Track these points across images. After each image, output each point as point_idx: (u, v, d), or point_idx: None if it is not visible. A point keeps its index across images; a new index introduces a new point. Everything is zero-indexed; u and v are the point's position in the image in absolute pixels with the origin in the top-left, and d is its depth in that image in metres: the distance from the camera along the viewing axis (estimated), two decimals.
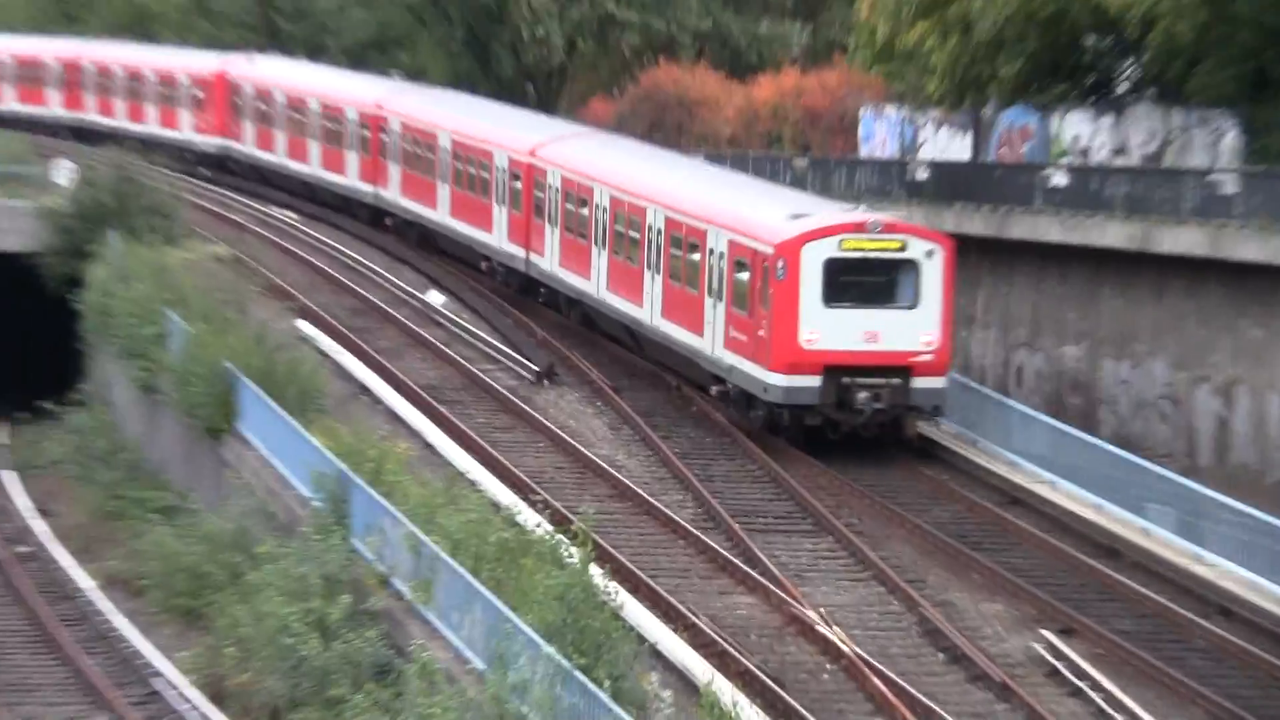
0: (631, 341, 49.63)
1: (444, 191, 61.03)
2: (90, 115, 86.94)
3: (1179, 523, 35.33)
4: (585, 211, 50.52)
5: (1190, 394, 45.10)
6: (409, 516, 32.30)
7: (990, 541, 37.01)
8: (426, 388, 45.11)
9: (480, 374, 46.59)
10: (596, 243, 49.75)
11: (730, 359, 43.23)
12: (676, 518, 37.50)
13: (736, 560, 35.29)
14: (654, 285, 46.71)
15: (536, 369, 46.73)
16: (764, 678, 29.57)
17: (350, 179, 67.92)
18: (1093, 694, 30.13)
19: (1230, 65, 49.20)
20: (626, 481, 39.52)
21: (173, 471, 46.02)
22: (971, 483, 41.62)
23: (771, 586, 33.93)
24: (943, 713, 28.86)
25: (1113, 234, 46.54)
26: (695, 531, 36.79)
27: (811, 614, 32.48)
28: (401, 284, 54.72)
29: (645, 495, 38.70)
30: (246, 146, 75.93)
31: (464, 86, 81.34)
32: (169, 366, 44.87)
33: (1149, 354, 46.55)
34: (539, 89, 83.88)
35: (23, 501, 48.46)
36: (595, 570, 29.97)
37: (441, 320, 51.42)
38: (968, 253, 52.85)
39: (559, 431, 42.51)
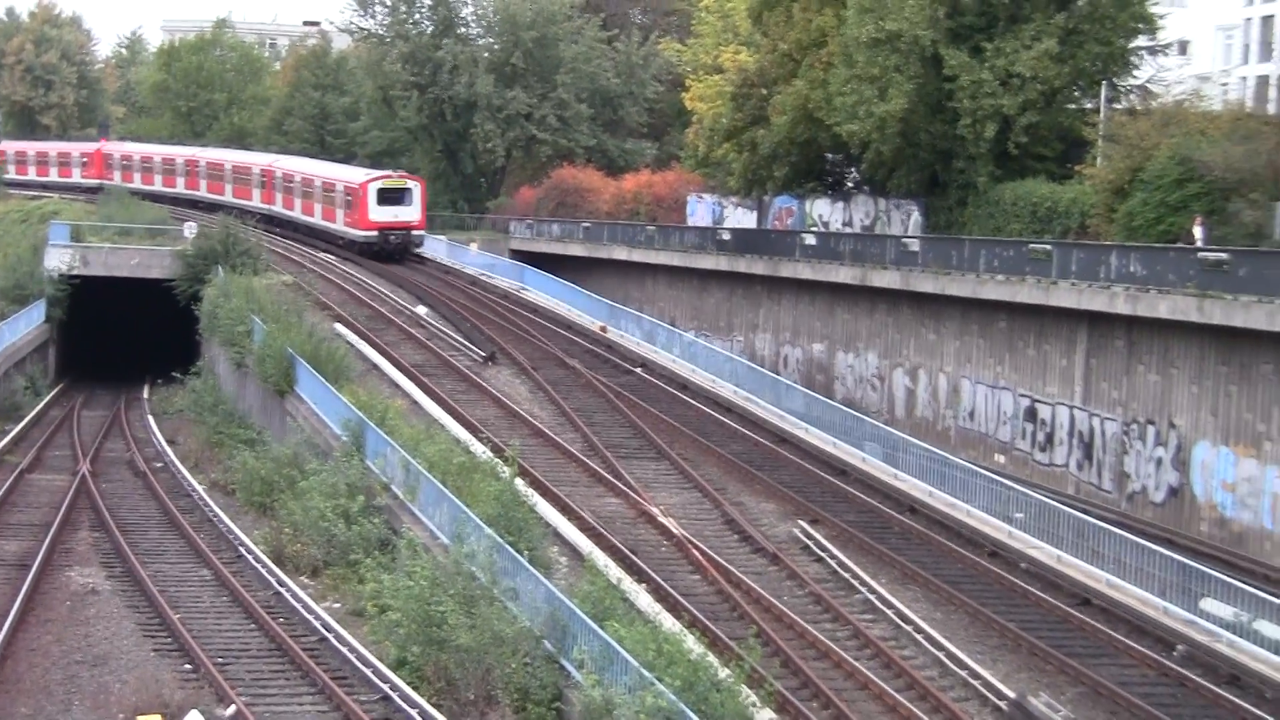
0: (309, 233, 66.72)
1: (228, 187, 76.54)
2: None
3: (884, 454, 35.08)
4: (293, 184, 69.25)
5: (890, 374, 45.00)
6: (402, 446, 31.57)
7: (767, 464, 36.51)
8: (415, 365, 44.19)
9: (448, 357, 45.72)
10: (297, 195, 68.66)
11: (346, 229, 62.99)
12: (571, 449, 36.88)
13: (608, 475, 34.71)
14: (318, 207, 66.21)
15: (483, 354, 45.94)
16: (625, 549, 29.13)
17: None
18: (830, 561, 29.89)
19: (915, 172, 49.37)
20: (540, 426, 38.79)
21: (254, 417, 44.98)
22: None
23: (630, 492, 33.43)
24: (736, 572, 28.55)
25: (844, 274, 46.44)
26: (582, 457, 36.19)
27: (654, 510, 32.09)
28: (400, 302, 53.67)
29: (551, 434, 38.03)
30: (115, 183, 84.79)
31: (440, 179, 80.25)
32: (253, 351, 43.92)
33: (865, 349, 46.43)
34: (488, 180, 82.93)
35: (158, 434, 47.41)
36: (519, 481, 29.58)
37: (425, 324, 50.48)
38: (753, 284, 52.71)
39: (497, 394, 41.73)
